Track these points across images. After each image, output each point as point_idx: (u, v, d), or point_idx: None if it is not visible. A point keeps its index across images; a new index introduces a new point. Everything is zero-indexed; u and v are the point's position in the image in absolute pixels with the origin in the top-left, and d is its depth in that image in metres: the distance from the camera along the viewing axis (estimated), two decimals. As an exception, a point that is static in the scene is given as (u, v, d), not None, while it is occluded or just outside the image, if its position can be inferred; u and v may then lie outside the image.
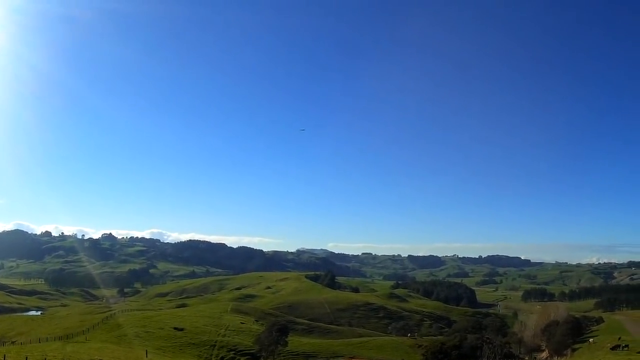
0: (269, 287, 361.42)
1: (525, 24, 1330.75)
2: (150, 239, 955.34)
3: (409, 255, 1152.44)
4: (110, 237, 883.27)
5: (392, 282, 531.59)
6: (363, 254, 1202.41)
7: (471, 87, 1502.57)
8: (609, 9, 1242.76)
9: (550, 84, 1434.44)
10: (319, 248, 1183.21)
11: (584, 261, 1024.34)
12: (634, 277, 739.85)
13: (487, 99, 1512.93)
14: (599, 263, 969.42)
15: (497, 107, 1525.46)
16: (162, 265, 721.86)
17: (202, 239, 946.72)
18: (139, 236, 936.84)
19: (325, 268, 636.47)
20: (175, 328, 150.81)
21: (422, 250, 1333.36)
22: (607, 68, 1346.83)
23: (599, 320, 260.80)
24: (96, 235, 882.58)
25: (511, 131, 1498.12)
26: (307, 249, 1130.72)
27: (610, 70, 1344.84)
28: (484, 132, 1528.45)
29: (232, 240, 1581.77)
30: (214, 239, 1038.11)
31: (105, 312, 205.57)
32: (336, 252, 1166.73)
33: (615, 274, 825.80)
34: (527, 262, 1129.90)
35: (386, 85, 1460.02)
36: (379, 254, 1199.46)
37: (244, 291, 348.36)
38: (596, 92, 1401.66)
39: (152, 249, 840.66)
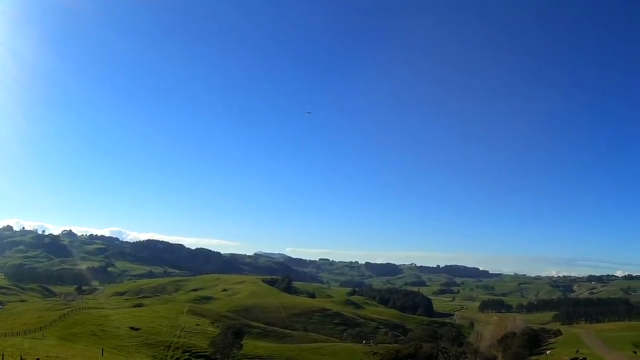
0: (225, 290, 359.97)
1: (524, 25, 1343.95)
2: (110, 237, 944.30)
3: (366, 263, 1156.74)
4: (70, 233, 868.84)
5: (348, 289, 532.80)
6: (320, 259, 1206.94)
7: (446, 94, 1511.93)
8: (610, 9, 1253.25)
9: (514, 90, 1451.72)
10: (277, 252, 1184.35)
11: (543, 274, 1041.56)
12: (594, 291, 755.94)
13: (455, 106, 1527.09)
14: (559, 276, 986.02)
15: (462, 116, 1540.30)
16: (120, 264, 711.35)
17: (160, 239, 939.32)
18: (99, 234, 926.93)
19: (282, 272, 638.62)
20: (131, 327, 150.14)
21: (379, 257, 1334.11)
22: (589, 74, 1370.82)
23: (557, 333, 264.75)
24: (56, 231, 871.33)
25: (472, 142, 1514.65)
26: (265, 253, 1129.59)
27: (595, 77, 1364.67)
28: (446, 141, 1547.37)
29: (191, 242, 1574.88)
30: (172, 239, 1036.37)
31: (63, 309, 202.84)
32: (294, 257, 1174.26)
33: (575, 288, 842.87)
34: (485, 273, 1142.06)
35: (353, 90, 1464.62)
36: (337, 260, 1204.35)
37: (200, 293, 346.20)
38: (562, 103, 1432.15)
39: (111, 247, 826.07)
